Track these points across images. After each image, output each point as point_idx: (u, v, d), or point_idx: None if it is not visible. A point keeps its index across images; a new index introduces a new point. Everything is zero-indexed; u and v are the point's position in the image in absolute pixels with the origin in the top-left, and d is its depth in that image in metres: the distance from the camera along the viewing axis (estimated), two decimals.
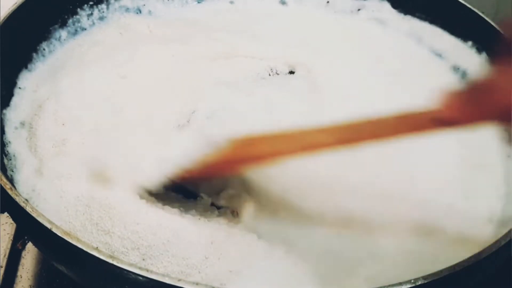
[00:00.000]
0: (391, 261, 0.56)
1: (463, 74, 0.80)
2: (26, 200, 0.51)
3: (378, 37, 0.86)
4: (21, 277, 0.66)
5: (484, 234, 0.59)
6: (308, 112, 0.70)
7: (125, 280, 0.45)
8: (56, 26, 0.77)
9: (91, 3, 0.81)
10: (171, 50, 0.75)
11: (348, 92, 0.75)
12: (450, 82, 0.79)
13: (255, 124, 0.66)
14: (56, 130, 0.63)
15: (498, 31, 0.75)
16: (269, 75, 0.77)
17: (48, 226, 0.48)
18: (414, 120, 0.47)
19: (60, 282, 0.65)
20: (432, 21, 0.85)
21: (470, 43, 0.81)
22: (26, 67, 0.71)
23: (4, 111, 0.65)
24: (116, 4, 0.84)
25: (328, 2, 0.90)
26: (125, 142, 0.62)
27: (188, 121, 0.67)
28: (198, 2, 0.89)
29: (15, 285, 0.65)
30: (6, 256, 0.67)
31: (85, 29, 0.80)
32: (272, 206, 0.60)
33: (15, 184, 0.58)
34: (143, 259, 0.53)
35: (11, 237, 0.69)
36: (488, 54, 0.78)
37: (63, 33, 0.78)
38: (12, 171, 0.60)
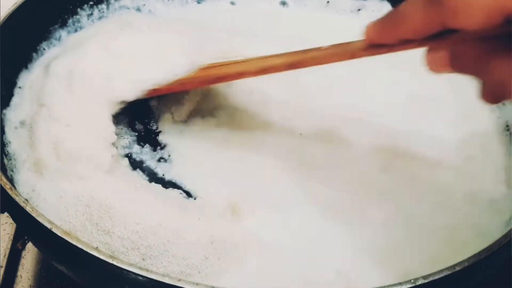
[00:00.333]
0: None
1: None
2: (26, 200, 0.51)
3: None
4: (21, 277, 0.66)
5: None
6: (302, 106, 0.72)
7: (125, 280, 0.45)
8: (56, 26, 0.77)
9: (91, 3, 0.81)
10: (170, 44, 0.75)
11: (347, 91, 0.75)
12: (452, 78, 0.79)
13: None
14: (56, 130, 0.63)
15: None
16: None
17: (48, 226, 0.48)
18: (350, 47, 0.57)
19: (60, 282, 0.65)
20: None
21: None
22: (26, 67, 0.71)
23: (4, 111, 0.65)
24: (116, 4, 0.84)
25: (328, 2, 0.90)
26: None
27: None
28: (198, 2, 0.89)
29: (15, 285, 0.65)
30: (6, 256, 0.67)
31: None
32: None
33: (15, 184, 0.58)
34: (143, 259, 0.53)
35: (11, 237, 0.69)
36: None
37: (63, 33, 0.78)
38: (12, 171, 0.60)
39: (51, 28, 0.77)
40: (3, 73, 0.65)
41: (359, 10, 0.89)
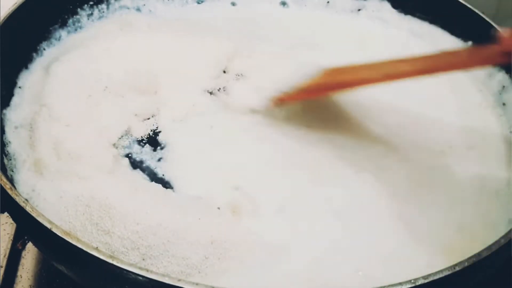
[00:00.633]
0: None
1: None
2: (26, 200, 0.51)
3: (378, 37, 0.86)
4: (21, 277, 0.66)
5: None
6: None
7: (125, 280, 0.45)
8: (56, 26, 0.77)
9: (91, 3, 0.81)
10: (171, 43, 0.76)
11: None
12: (452, 78, 0.79)
13: None
14: (56, 130, 0.63)
15: (498, 31, 0.75)
16: None
17: (48, 226, 0.48)
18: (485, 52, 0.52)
19: (60, 282, 0.65)
20: (432, 21, 0.85)
21: (470, 43, 0.81)
22: (26, 67, 0.71)
23: (4, 111, 0.65)
24: (116, 4, 0.84)
25: (328, 2, 0.90)
26: None
27: None
28: (198, 3, 0.89)
29: (15, 285, 0.65)
30: (6, 256, 0.67)
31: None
32: None
33: (15, 184, 0.58)
34: (143, 259, 0.53)
35: (11, 237, 0.69)
36: None
37: (63, 33, 0.78)
38: (12, 171, 0.60)
39: (51, 28, 0.77)
40: (3, 73, 0.65)
41: (359, 10, 0.89)
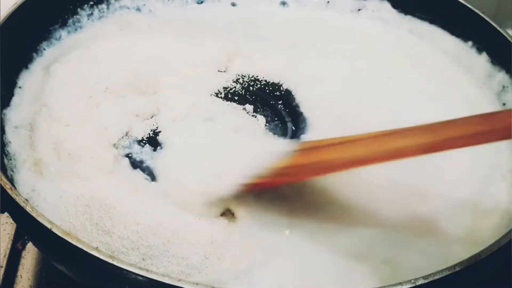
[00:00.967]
0: None
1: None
2: (26, 200, 0.51)
3: (378, 37, 0.86)
4: (21, 277, 0.66)
5: None
6: None
7: (125, 280, 0.45)
8: (56, 26, 0.77)
9: (91, 3, 0.81)
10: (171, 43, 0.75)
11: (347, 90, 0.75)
12: (452, 78, 0.79)
13: None
14: (56, 130, 0.63)
15: (498, 31, 0.75)
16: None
17: (48, 226, 0.48)
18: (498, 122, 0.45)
19: (60, 282, 0.65)
20: (432, 21, 0.85)
21: (470, 43, 0.81)
22: (26, 67, 0.71)
23: (4, 111, 0.65)
24: (117, 4, 0.84)
25: (328, 2, 0.90)
26: None
27: None
28: (198, 3, 0.89)
29: (15, 285, 0.65)
30: (6, 256, 0.67)
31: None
32: None
33: (15, 184, 0.58)
34: (143, 259, 0.53)
35: (11, 237, 0.69)
36: (488, 54, 0.78)
37: (63, 33, 0.78)
38: (12, 171, 0.60)
39: (51, 28, 0.77)
40: (3, 73, 0.65)
41: (359, 10, 0.89)
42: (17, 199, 0.50)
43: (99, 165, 0.60)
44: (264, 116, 0.72)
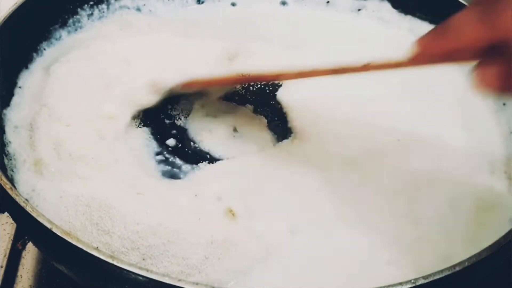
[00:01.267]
0: None
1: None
2: (26, 200, 0.51)
3: (378, 37, 0.86)
4: (21, 277, 0.66)
5: None
6: None
7: (125, 280, 0.45)
8: (56, 26, 0.77)
9: (91, 3, 0.81)
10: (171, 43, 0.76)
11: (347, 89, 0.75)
12: (452, 78, 0.79)
13: None
14: (56, 130, 0.63)
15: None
16: None
17: (48, 226, 0.48)
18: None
19: (60, 282, 0.65)
20: (432, 21, 0.85)
21: None
22: (27, 67, 0.71)
23: (4, 111, 0.65)
24: (117, 4, 0.84)
25: (328, 2, 0.90)
26: None
27: None
28: (198, 3, 0.89)
29: (15, 285, 0.65)
30: (6, 256, 0.67)
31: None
32: None
33: (15, 184, 0.58)
34: (143, 259, 0.53)
35: (11, 237, 0.69)
36: None
37: (63, 33, 0.78)
38: (12, 171, 0.60)
39: (51, 28, 0.77)
40: (3, 73, 0.65)
41: (359, 10, 0.89)
42: (17, 199, 0.50)
43: (99, 165, 0.60)
44: (264, 116, 0.72)
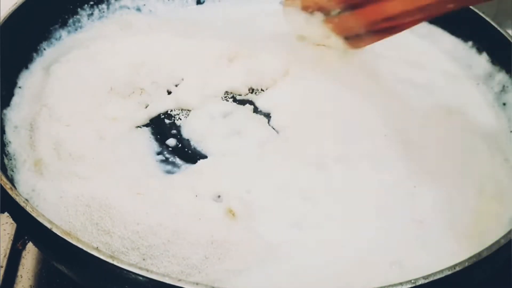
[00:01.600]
0: None
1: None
2: (26, 200, 0.51)
3: None
4: (21, 277, 0.66)
5: None
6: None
7: (125, 280, 0.45)
8: (56, 26, 0.77)
9: (91, 3, 0.81)
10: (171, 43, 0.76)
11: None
12: (451, 78, 0.79)
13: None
14: (56, 130, 0.63)
15: (498, 31, 0.75)
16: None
17: (48, 226, 0.48)
18: None
19: (60, 282, 0.65)
20: (432, 21, 0.85)
21: (470, 43, 0.81)
22: (27, 67, 0.71)
23: (4, 111, 0.65)
24: (117, 4, 0.84)
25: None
26: None
27: None
28: (198, 3, 0.89)
29: (15, 285, 0.65)
30: (6, 256, 0.67)
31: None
32: None
33: (15, 184, 0.58)
34: (143, 259, 0.53)
35: (11, 237, 0.69)
36: (488, 54, 0.78)
37: (63, 33, 0.78)
38: (12, 171, 0.60)
39: (51, 28, 0.77)
40: (3, 73, 0.65)
41: None
42: (17, 199, 0.50)
43: (99, 165, 0.60)
44: (264, 116, 0.72)
